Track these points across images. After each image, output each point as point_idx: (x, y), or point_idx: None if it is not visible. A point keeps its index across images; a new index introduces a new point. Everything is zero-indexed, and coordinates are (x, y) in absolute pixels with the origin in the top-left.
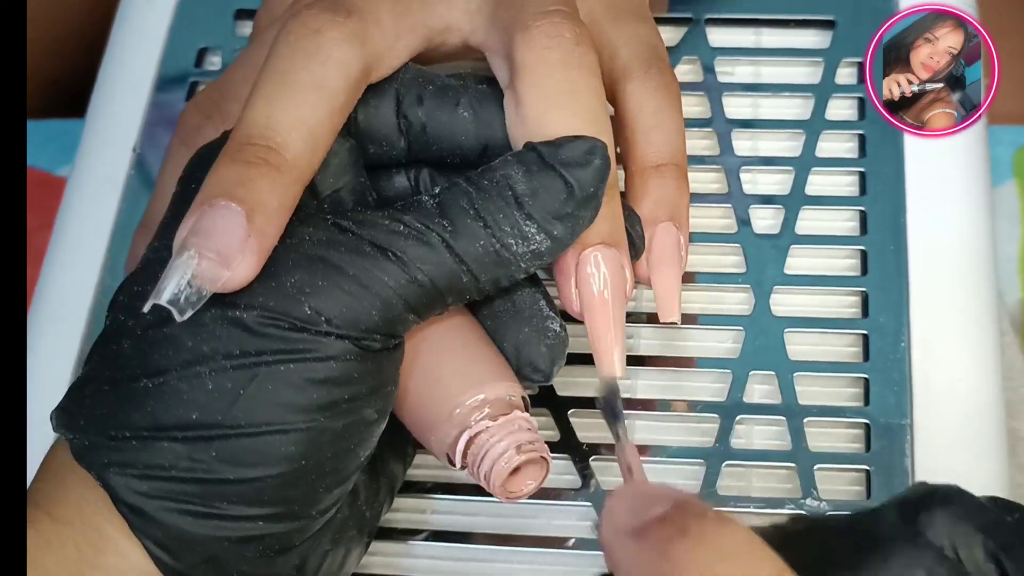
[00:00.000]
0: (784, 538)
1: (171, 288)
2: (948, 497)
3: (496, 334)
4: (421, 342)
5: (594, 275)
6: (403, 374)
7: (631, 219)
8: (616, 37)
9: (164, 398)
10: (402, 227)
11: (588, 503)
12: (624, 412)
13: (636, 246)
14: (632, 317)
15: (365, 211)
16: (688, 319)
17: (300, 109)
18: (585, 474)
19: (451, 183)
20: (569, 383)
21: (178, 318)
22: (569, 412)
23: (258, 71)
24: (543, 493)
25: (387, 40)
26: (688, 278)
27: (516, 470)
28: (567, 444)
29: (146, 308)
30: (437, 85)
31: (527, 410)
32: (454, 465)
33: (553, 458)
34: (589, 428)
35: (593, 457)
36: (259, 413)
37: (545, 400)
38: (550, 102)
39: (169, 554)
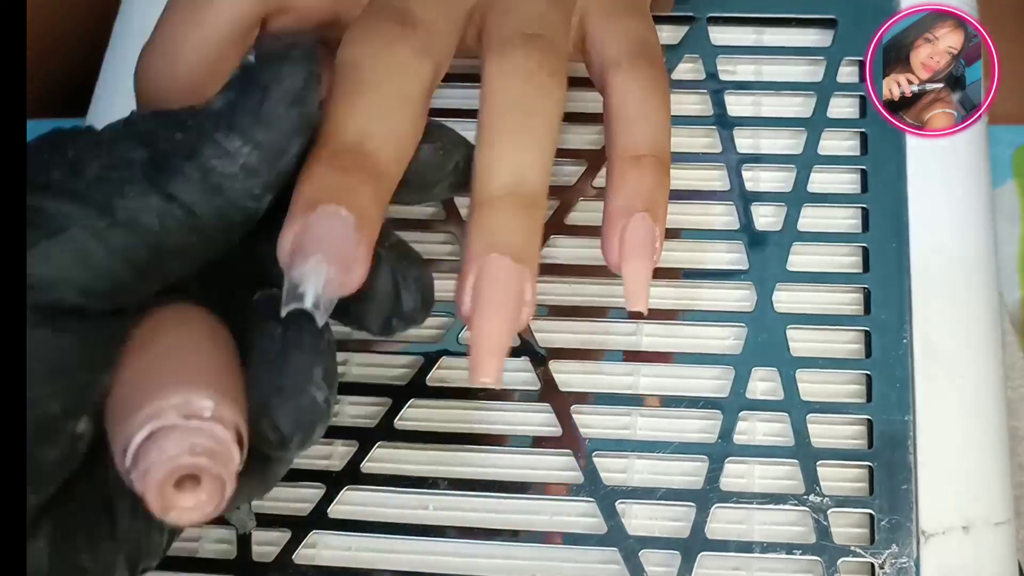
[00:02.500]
0: None
1: (312, 293)
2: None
3: (248, 382)
4: (155, 334)
5: (493, 280)
6: (122, 368)
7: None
8: (606, 30)
9: None
10: (112, 172)
11: (591, 499)
12: (607, 409)
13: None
14: (634, 312)
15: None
16: (692, 315)
17: (389, 120)
18: (589, 468)
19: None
20: (573, 378)
21: (319, 322)
22: (571, 407)
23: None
24: (546, 489)
25: (446, 45)
26: (695, 275)
27: (185, 482)
28: (547, 393)
29: (284, 312)
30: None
31: (241, 448)
32: (124, 466)
33: (554, 454)
34: (592, 424)
35: (595, 452)
36: None
37: (548, 395)
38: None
39: None
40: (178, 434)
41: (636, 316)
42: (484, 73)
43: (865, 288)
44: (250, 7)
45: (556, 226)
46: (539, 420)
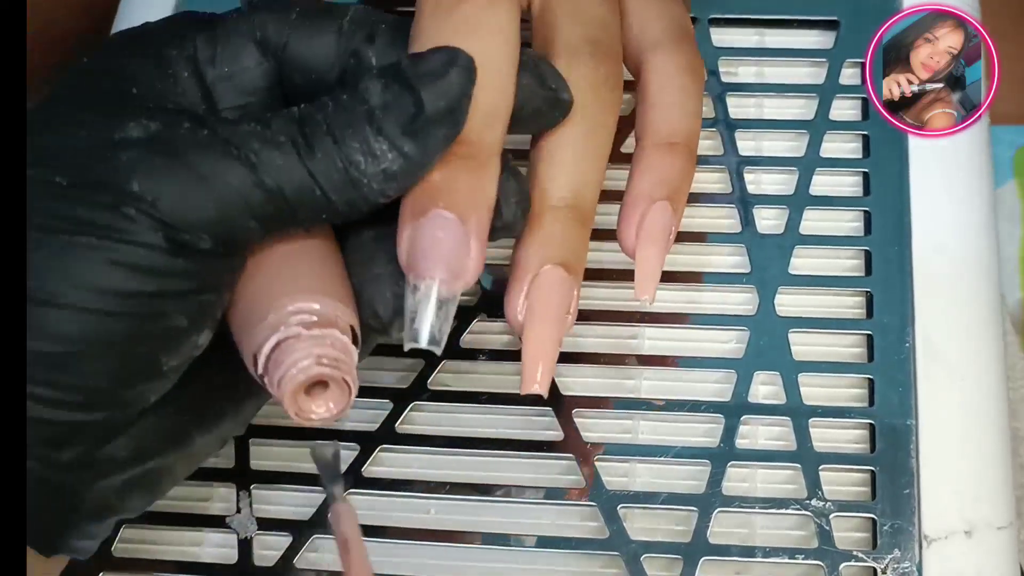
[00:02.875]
0: None
1: (426, 333)
2: None
3: (349, 269)
4: (269, 252)
5: (548, 291)
6: (241, 282)
7: (511, 191)
8: (647, 10)
9: None
10: (263, 131)
11: (593, 503)
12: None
13: (505, 219)
14: (636, 316)
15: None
16: (694, 318)
17: (491, 92)
18: (587, 474)
19: (318, 98)
20: (576, 383)
21: (438, 352)
22: (573, 411)
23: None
24: (547, 494)
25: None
26: (695, 278)
27: (314, 387)
28: (550, 397)
29: (407, 348)
30: (389, 23)
31: (355, 344)
32: (256, 372)
33: (557, 458)
34: (594, 428)
35: (597, 456)
36: (44, 281)
37: (549, 400)
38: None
39: None
40: (303, 344)
41: (644, 317)
42: None
43: (867, 291)
44: None
45: None
46: (541, 424)
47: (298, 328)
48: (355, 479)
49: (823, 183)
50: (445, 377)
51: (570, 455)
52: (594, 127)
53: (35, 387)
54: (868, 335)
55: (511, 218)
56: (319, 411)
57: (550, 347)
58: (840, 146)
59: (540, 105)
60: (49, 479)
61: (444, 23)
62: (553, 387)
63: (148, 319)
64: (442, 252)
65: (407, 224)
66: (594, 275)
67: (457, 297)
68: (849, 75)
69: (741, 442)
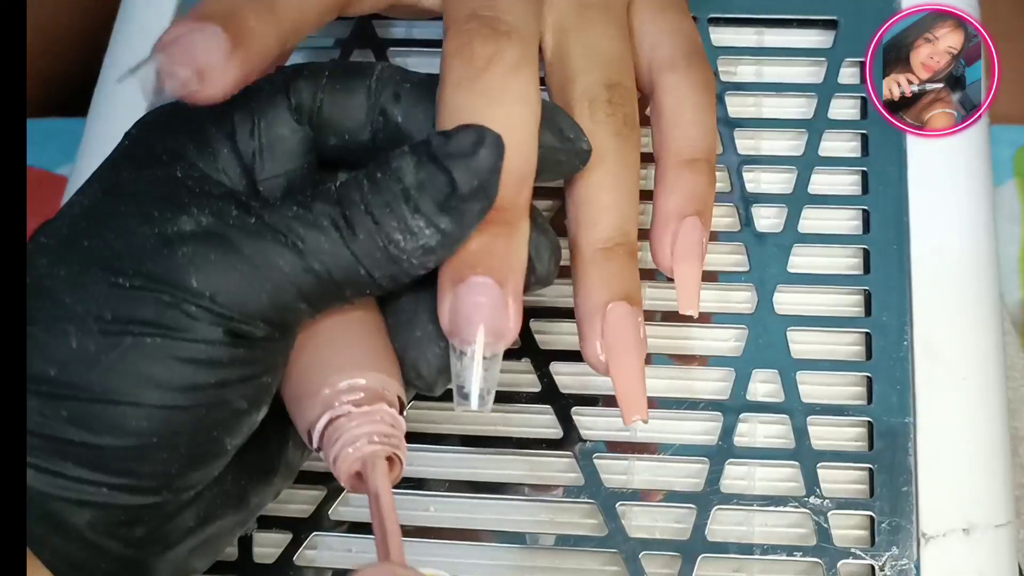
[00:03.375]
0: None
1: (475, 396)
2: None
3: (390, 333)
4: (316, 326)
5: (622, 326)
6: (292, 355)
7: (543, 246)
8: (660, 29)
9: (29, 348)
10: (305, 214)
11: (592, 501)
12: (608, 411)
13: (539, 274)
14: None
15: (279, 200)
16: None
17: (518, 158)
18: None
19: (352, 175)
20: (575, 380)
21: (487, 411)
22: (572, 409)
23: None
24: (547, 491)
25: (534, 49)
26: (710, 277)
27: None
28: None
29: (457, 410)
30: (414, 82)
31: (402, 412)
32: (311, 445)
33: (555, 456)
34: (593, 426)
35: (596, 454)
36: (115, 382)
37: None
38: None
39: None
40: (354, 422)
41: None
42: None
43: (866, 290)
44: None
45: (558, 228)
46: (540, 422)
47: (348, 406)
48: None
49: (822, 182)
50: None
51: (568, 452)
52: (623, 168)
53: (114, 477)
54: (867, 333)
55: (544, 272)
56: (373, 484)
57: (638, 375)
58: (839, 145)
59: (561, 158)
60: (126, 555)
61: (468, 95)
62: (551, 384)
63: (212, 407)
64: (483, 316)
65: (447, 292)
66: None
67: (500, 356)
68: (848, 74)
69: (740, 440)
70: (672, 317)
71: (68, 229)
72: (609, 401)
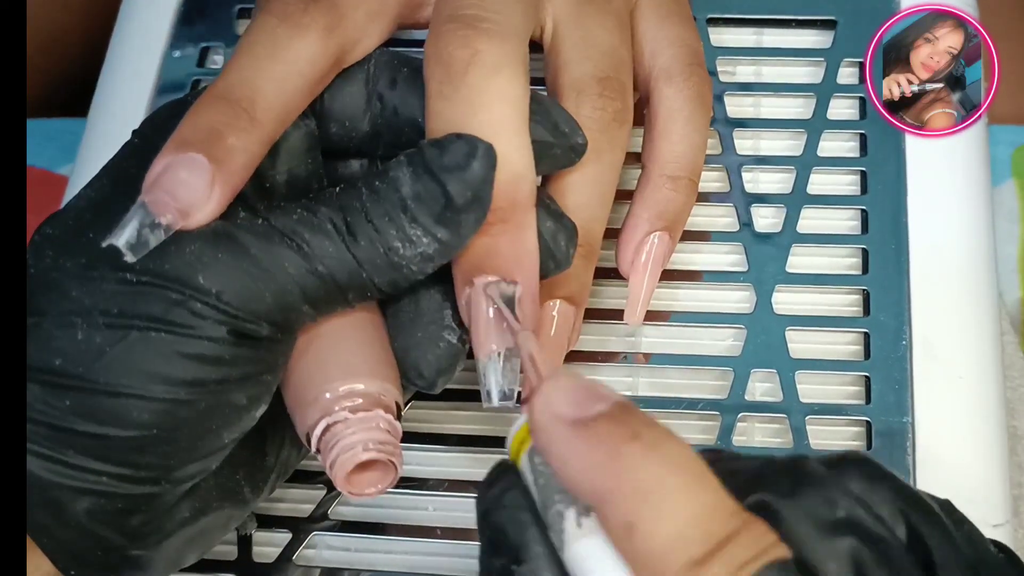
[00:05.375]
0: (715, 461)
1: (496, 394)
2: (863, 460)
3: (392, 333)
4: (318, 329)
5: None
6: (294, 357)
7: (554, 232)
8: (661, 37)
9: (35, 339)
10: (310, 218)
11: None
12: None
13: (556, 258)
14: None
15: (284, 202)
16: (692, 317)
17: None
18: None
19: (350, 182)
20: None
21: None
22: None
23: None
24: None
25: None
26: (693, 277)
27: (363, 467)
28: None
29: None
30: (411, 68)
31: (399, 417)
32: (310, 448)
33: None
34: None
35: None
36: (120, 375)
37: None
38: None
39: None
40: (351, 427)
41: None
42: None
43: (864, 290)
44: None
45: None
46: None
47: (346, 413)
48: None
49: (821, 182)
50: None
51: None
52: (603, 168)
53: (114, 467)
54: (865, 333)
55: (562, 256)
56: (368, 492)
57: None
58: (838, 145)
59: (555, 152)
60: (121, 544)
61: (452, 104)
62: None
63: (213, 403)
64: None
65: (463, 289)
66: (594, 274)
67: (518, 354)
68: (847, 74)
69: (738, 439)
70: (670, 317)
71: (75, 222)
72: None
